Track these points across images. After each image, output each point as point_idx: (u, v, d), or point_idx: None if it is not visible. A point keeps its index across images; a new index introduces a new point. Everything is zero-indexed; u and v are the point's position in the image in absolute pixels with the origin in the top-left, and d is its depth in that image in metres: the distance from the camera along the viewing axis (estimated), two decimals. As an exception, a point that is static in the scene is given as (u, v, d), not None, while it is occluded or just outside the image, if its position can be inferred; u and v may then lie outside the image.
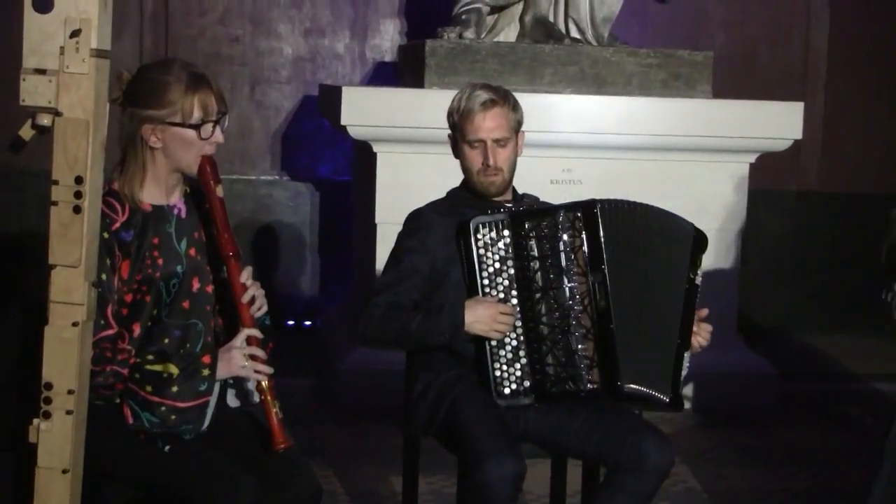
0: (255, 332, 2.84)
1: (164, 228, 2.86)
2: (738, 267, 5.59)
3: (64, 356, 2.33)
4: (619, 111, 5.36)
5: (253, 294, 2.86)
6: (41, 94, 2.27)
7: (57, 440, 2.34)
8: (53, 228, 2.31)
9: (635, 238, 3.19)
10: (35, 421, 2.34)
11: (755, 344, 5.89)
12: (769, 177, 6.40)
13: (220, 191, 2.85)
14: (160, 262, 2.83)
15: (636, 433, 3.08)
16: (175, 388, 2.74)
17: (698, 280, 3.25)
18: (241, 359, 2.81)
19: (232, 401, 2.96)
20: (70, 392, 2.34)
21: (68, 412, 2.34)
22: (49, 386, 2.33)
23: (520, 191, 3.42)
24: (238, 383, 2.96)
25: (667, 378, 3.17)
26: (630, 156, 5.40)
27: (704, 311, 3.27)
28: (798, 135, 5.49)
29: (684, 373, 3.22)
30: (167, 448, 2.75)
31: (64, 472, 2.35)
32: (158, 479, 2.77)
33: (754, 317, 6.83)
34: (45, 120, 2.29)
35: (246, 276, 2.86)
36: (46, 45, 2.26)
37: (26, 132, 2.34)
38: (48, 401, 2.33)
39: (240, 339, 2.82)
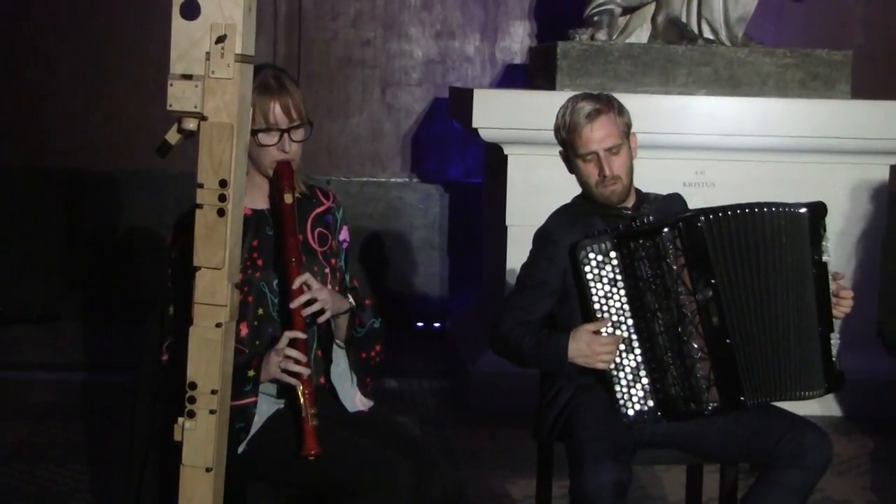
0: (299, 335, 2.81)
1: (264, 231, 2.93)
2: (877, 272, 5.44)
3: (208, 356, 2.37)
4: (755, 112, 5.26)
5: (308, 299, 2.83)
6: (188, 99, 2.31)
7: (201, 439, 2.38)
8: (198, 231, 2.35)
9: (753, 244, 3.07)
10: (180, 420, 2.38)
11: (894, 350, 5.72)
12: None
13: (288, 198, 2.87)
14: (259, 262, 2.90)
15: (796, 428, 3.05)
16: None
17: (825, 258, 3.12)
18: (277, 362, 2.80)
19: (351, 405, 3.02)
20: (213, 392, 2.38)
21: (212, 411, 2.38)
22: (193, 385, 2.38)
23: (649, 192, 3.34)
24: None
25: (814, 370, 3.13)
26: (766, 158, 5.30)
27: (841, 275, 3.18)
28: (941, 135, 5.32)
29: (835, 350, 3.14)
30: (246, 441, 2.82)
31: (207, 470, 2.39)
32: (310, 474, 2.81)
33: (894, 324, 6.63)
34: (191, 124, 2.33)
35: (300, 281, 2.83)
36: (193, 51, 2.30)
37: (173, 136, 2.37)
38: (192, 400, 2.38)
39: (282, 343, 2.81)
